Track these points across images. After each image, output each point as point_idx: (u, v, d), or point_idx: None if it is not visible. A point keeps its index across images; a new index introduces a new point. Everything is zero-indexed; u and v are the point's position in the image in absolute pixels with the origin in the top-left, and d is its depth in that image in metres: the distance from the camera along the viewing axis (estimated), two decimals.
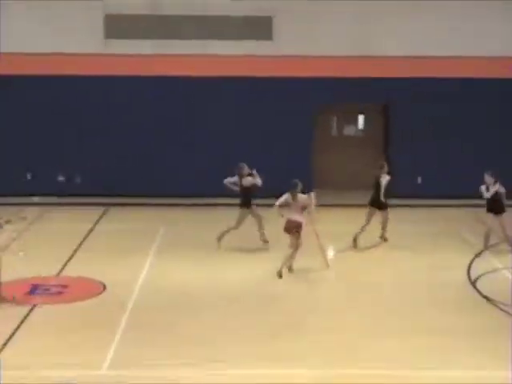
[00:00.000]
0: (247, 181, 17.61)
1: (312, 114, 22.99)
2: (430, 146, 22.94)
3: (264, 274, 15.82)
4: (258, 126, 22.89)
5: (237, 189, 17.77)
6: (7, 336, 12.26)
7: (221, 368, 11.25)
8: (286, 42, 22.75)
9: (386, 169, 18.20)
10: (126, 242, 18.41)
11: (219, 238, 17.64)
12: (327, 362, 11.50)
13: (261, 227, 17.63)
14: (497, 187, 17.38)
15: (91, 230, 19.42)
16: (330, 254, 17.44)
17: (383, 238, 18.33)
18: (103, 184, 22.60)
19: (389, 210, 18.21)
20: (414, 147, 22.88)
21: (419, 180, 23.24)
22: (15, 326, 12.73)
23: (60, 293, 14.61)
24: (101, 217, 21.00)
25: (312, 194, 16.09)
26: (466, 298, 14.58)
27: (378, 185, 18.10)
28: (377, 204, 18.09)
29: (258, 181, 17.54)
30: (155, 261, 16.80)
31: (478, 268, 16.25)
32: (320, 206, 16.72)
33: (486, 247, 17.60)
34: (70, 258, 16.83)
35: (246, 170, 17.65)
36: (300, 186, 15.95)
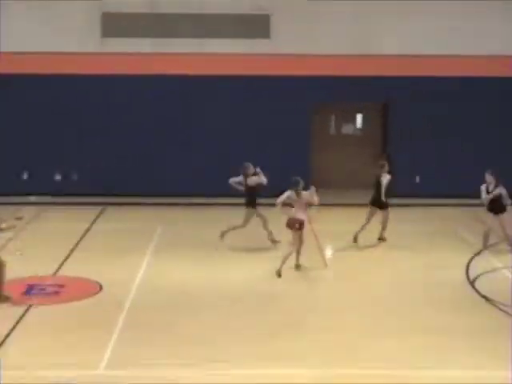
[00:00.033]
0: (252, 180, 17.56)
1: (310, 112, 22.92)
2: (429, 145, 22.88)
3: (264, 273, 15.74)
4: (255, 125, 22.82)
5: (242, 188, 17.71)
6: (3, 336, 12.16)
7: (220, 368, 11.15)
8: (283, 41, 22.68)
9: (386, 168, 18.12)
10: (123, 241, 18.34)
11: (222, 235, 17.58)
12: (326, 362, 11.42)
13: (266, 227, 17.57)
14: (498, 190, 17.26)
15: (88, 230, 19.35)
16: (329, 253, 17.36)
17: (382, 238, 18.23)
18: (100, 183, 22.52)
19: (389, 209, 18.13)
20: (412, 146, 22.83)
21: (417, 179, 23.17)
22: (11, 326, 12.63)
23: (56, 292, 14.52)
24: (98, 216, 20.93)
25: (313, 189, 16.02)
26: (464, 298, 14.50)
27: (378, 184, 18.03)
28: (378, 203, 18.02)
29: (263, 179, 17.48)
30: (153, 260, 16.72)
31: (478, 267, 16.19)
32: (318, 205, 16.62)
33: (486, 247, 17.53)
34: (67, 258, 16.75)
35: (252, 169, 17.60)
36: (302, 183, 15.91)
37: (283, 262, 15.63)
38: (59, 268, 16.01)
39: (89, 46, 22.51)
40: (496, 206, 17.39)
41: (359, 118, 24.36)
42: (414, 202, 22.17)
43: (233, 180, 17.80)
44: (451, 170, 22.76)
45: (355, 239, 17.95)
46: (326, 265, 16.23)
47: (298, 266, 15.97)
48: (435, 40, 22.63)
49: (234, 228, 17.60)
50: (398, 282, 15.46)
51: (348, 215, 20.65)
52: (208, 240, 17.68)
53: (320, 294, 14.91)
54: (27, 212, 20.74)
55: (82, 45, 22.46)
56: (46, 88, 22.39)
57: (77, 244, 17.91)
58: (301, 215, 15.77)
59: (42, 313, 13.44)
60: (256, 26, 22.64)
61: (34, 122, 22.56)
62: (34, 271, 15.38)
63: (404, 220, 20.08)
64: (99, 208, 21.67)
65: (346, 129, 24.38)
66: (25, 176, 22.87)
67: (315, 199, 15.97)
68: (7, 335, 12.26)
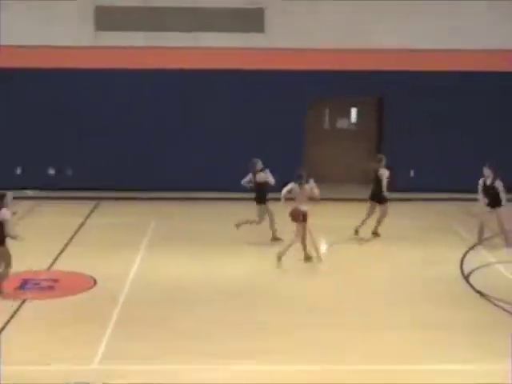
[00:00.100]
0: (260, 176, 17.55)
1: (305, 107, 22.83)
2: (426, 140, 22.79)
3: (261, 268, 15.72)
4: (250, 120, 22.72)
5: (251, 185, 17.72)
6: None
7: (215, 363, 11.12)
8: (277, 35, 22.58)
9: (384, 162, 18.04)
10: (118, 236, 18.28)
11: (238, 226, 17.62)
12: (325, 357, 11.39)
13: (272, 225, 17.54)
14: (497, 183, 17.23)
15: (82, 224, 19.28)
16: (323, 247, 17.32)
17: (376, 233, 18.15)
18: (95, 178, 22.42)
19: (388, 204, 18.06)
20: (409, 141, 22.71)
21: (412, 173, 23.08)
22: (5, 320, 12.59)
23: (51, 287, 14.47)
24: (92, 211, 20.85)
25: (312, 183, 16.11)
26: (461, 293, 14.49)
27: (377, 178, 17.98)
28: (377, 198, 17.97)
29: (271, 180, 17.46)
30: (147, 255, 16.66)
31: (472, 262, 16.18)
32: (318, 199, 16.61)
33: (480, 241, 17.51)
34: (61, 253, 16.70)
35: (260, 165, 17.58)
36: (305, 177, 16.05)
37: (285, 250, 15.79)
38: (53, 263, 15.97)
39: (83, 40, 22.40)
40: (493, 200, 17.35)
41: (354, 112, 24.29)
42: (409, 197, 22.10)
43: (245, 181, 17.79)
44: (451, 164, 22.67)
45: (356, 232, 17.92)
46: (320, 259, 16.21)
47: (308, 258, 16.06)
48: (434, 34, 22.48)
49: (250, 222, 17.61)
50: (396, 276, 15.45)
51: (343, 209, 20.61)
52: (205, 235, 17.59)
53: (318, 289, 14.80)
54: (21, 207, 20.62)
55: (76, 38, 22.34)
56: (41, 82, 22.23)
57: (71, 239, 17.85)
58: (304, 207, 15.98)
59: (36, 307, 13.39)
60: (250, 19, 22.55)
61: (30, 117, 22.42)
62: (28, 266, 15.29)
63: (400, 214, 20.02)
64: (93, 202, 21.59)
65: (341, 123, 24.32)
66: (18, 171, 22.76)
67: (315, 192, 16.07)
68: (1, 330, 12.22)
